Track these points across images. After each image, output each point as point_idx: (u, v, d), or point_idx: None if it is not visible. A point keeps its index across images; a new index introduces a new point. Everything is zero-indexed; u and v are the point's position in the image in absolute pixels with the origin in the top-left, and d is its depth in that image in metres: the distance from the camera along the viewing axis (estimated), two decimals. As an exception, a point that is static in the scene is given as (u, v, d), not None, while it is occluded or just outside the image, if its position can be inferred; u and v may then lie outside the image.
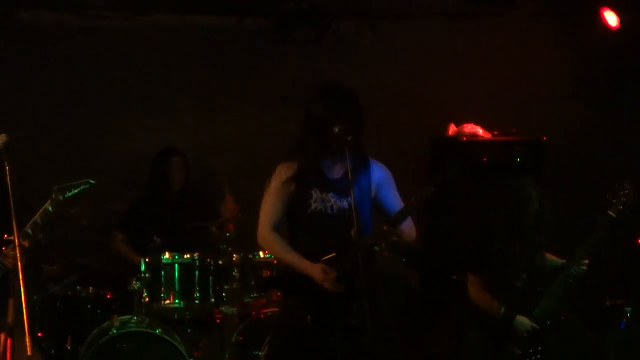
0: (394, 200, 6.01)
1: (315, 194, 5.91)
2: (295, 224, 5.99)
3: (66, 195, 6.27)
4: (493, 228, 7.04)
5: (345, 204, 5.87)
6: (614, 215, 6.89)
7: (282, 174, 5.97)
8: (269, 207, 5.98)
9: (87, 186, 6.34)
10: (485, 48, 9.51)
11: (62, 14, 8.90)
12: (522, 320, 6.87)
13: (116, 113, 8.97)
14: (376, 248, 5.86)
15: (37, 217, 6.21)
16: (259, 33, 9.24)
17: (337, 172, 5.93)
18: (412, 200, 5.80)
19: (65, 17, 8.91)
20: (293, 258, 5.91)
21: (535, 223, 6.94)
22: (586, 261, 6.92)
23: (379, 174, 6.02)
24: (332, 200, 5.90)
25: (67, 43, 8.86)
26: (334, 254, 5.77)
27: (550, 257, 7.09)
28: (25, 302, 5.45)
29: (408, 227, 5.95)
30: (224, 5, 9.05)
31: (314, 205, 5.91)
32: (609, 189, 6.95)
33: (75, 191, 6.29)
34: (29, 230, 6.09)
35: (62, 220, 7.54)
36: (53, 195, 6.24)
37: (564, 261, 6.98)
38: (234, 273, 7.65)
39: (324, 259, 5.77)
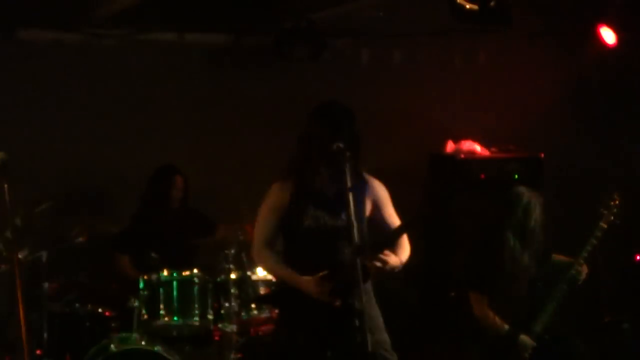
0: (389, 218, 6.04)
1: (310, 211, 5.93)
2: (290, 241, 6.01)
3: (34, 211, 6.46)
4: (499, 239, 7.05)
5: (339, 221, 5.89)
6: (606, 226, 7.00)
7: (277, 191, 5.99)
8: (264, 223, 6.01)
9: (50, 203, 6.55)
10: (482, 65, 9.55)
11: (61, 32, 8.92)
12: (525, 339, 6.89)
13: (114, 131, 8.97)
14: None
15: (7, 232, 6.33)
16: (257, 51, 9.27)
17: (331, 190, 5.94)
18: (407, 222, 5.82)
19: (64, 35, 8.93)
20: (286, 273, 5.93)
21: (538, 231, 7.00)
22: (581, 268, 6.96)
23: (375, 191, 6.04)
24: (326, 217, 5.92)
25: (66, 61, 8.87)
26: (328, 271, 5.77)
27: (558, 257, 7.14)
28: (23, 319, 5.48)
29: (401, 246, 5.96)
30: (222, 23, 9.08)
31: (307, 223, 5.92)
32: (599, 201, 7.07)
33: (42, 207, 6.50)
34: (1, 245, 6.22)
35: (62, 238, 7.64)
36: (21, 211, 6.40)
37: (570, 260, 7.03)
38: (232, 290, 7.65)
39: (320, 275, 5.78)
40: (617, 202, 7.10)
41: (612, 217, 7.05)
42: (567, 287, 6.96)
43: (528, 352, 6.86)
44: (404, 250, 6.00)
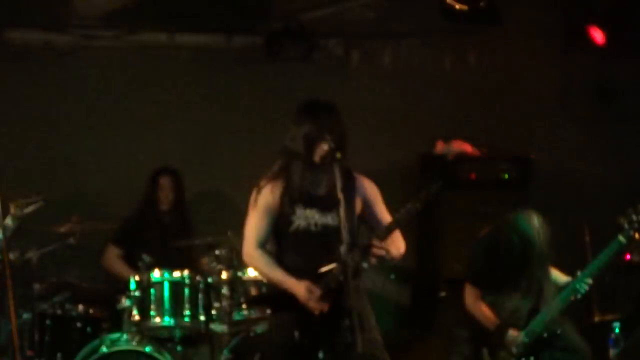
0: (381, 215, 6.03)
1: (299, 211, 5.93)
2: (280, 241, 6.01)
3: (25, 211, 6.44)
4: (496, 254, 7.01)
5: (329, 220, 5.89)
6: (625, 241, 6.80)
7: (268, 192, 5.98)
8: (255, 224, 6.00)
9: (41, 203, 6.54)
10: (472, 65, 9.56)
11: (51, 33, 8.92)
12: (514, 334, 6.87)
13: (105, 132, 8.97)
14: (364, 264, 5.88)
15: None
16: (248, 51, 9.27)
17: (321, 189, 5.94)
18: (398, 216, 5.83)
19: (54, 36, 8.93)
20: (278, 276, 5.92)
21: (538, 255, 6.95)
22: (590, 281, 6.88)
23: (365, 189, 6.04)
24: (316, 217, 5.92)
25: (55, 62, 8.87)
26: (324, 270, 5.79)
27: (555, 273, 7.08)
28: (14, 320, 5.48)
29: (396, 241, 5.97)
30: (212, 24, 9.09)
31: (296, 223, 5.92)
32: (622, 212, 6.85)
33: (32, 207, 6.49)
34: None
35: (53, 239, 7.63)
36: (12, 211, 6.40)
37: (568, 279, 6.95)
38: (223, 291, 7.64)
39: (320, 271, 5.78)
40: None
41: (633, 232, 6.83)
42: (571, 295, 6.87)
43: (517, 347, 6.84)
44: (400, 242, 6.01)
